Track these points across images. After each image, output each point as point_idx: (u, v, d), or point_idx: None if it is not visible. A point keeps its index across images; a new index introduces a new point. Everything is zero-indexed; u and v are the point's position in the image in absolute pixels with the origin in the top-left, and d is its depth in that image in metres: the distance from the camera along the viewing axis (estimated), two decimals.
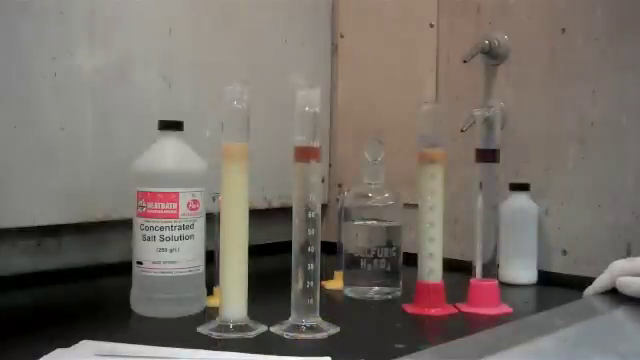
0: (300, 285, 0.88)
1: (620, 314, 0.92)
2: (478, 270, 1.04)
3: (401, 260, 1.11)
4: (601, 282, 0.94)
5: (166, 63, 1.26)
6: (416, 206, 1.04)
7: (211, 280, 1.00)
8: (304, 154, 0.87)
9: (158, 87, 1.25)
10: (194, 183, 0.97)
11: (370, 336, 0.91)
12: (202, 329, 0.87)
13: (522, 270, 1.20)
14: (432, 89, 1.40)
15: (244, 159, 0.87)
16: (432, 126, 1.03)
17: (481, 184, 1.04)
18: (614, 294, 0.99)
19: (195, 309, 0.97)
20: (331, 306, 1.01)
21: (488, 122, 1.03)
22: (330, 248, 1.16)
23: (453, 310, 1.02)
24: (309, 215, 0.88)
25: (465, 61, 1.28)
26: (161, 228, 0.95)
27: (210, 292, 1.00)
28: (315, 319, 0.88)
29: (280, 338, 0.86)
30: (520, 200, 1.22)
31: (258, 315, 0.89)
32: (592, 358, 0.81)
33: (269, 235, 1.35)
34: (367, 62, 1.51)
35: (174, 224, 0.95)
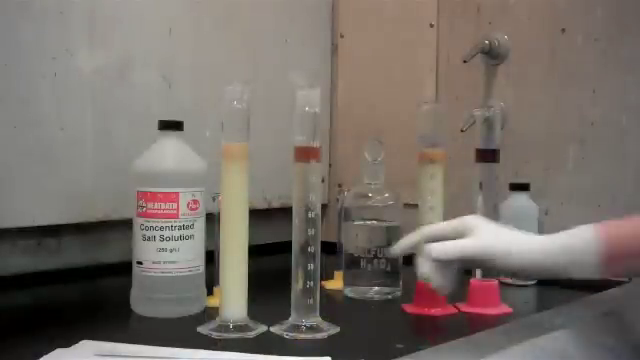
0: (300, 285, 0.88)
1: (619, 312, 0.92)
2: (478, 270, 1.04)
3: (401, 260, 1.10)
4: (409, 240, 0.92)
5: (166, 63, 1.26)
6: (416, 206, 1.04)
7: (211, 280, 1.00)
8: (304, 154, 0.87)
9: (158, 87, 1.25)
10: (194, 183, 0.97)
11: (370, 336, 0.91)
12: (202, 329, 0.87)
13: None
14: (432, 89, 1.40)
15: (244, 159, 0.87)
16: (432, 126, 1.04)
17: (481, 184, 1.04)
18: (613, 293, 0.99)
19: (195, 309, 0.97)
20: (331, 306, 1.01)
21: (488, 122, 1.03)
22: (330, 248, 1.16)
23: (453, 310, 1.02)
24: (309, 215, 0.88)
25: (465, 61, 1.28)
26: (161, 228, 0.95)
27: (210, 292, 1.00)
28: (315, 319, 0.88)
29: (280, 338, 0.86)
30: (520, 200, 1.22)
31: (258, 315, 0.89)
32: (592, 358, 0.82)
33: (269, 235, 1.35)
34: (367, 62, 1.51)
35: (174, 224, 0.95)
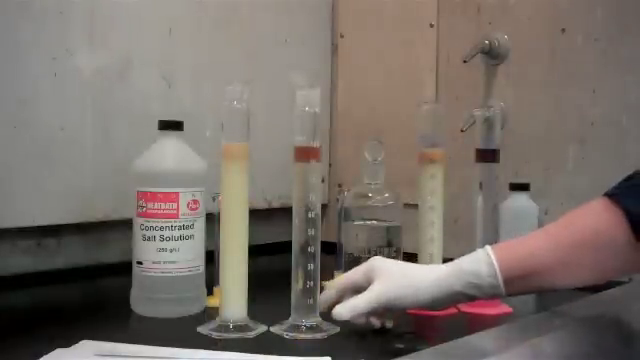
0: (300, 285, 0.88)
1: (619, 313, 0.92)
2: None
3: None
4: (327, 296, 0.90)
5: (166, 63, 1.26)
6: (416, 206, 1.04)
7: (211, 280, 1.00)
8: (304, 154, 0.87)
9: (158, 87, 1.25)
10: (194, 183, 0.97)
11: (370, 336, 0.91)
12: (202, 329, 0.87)
13: None
14: (432, 89, 1.40)
15: (244, 159, 0.87)
16: (432, 126, 1.03)
17: (481, 184, 1.04)
18: (613, 293, 0.99)
19: (195, 309, 0.97)
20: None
21: (488, 122, 1.03)
22: (330, 248, 1.16)
23: (453, 310, 1.01)
24: (309, 215, 0.88)
25: (465, 61, 1.28)
26: (161, 228, 0.95)
27: (210, 292, 1.00)
28: (315, 319, 0.88)
29: (280, 338, 0.86)
30: (520, 200, 1.21)
31: (258, 315, 0.89)
32: (591, 357, 0.82)
33: (269, 235, 1.35)
34: (367, 62, 1.51)
35: (174, 224, 0.95)
